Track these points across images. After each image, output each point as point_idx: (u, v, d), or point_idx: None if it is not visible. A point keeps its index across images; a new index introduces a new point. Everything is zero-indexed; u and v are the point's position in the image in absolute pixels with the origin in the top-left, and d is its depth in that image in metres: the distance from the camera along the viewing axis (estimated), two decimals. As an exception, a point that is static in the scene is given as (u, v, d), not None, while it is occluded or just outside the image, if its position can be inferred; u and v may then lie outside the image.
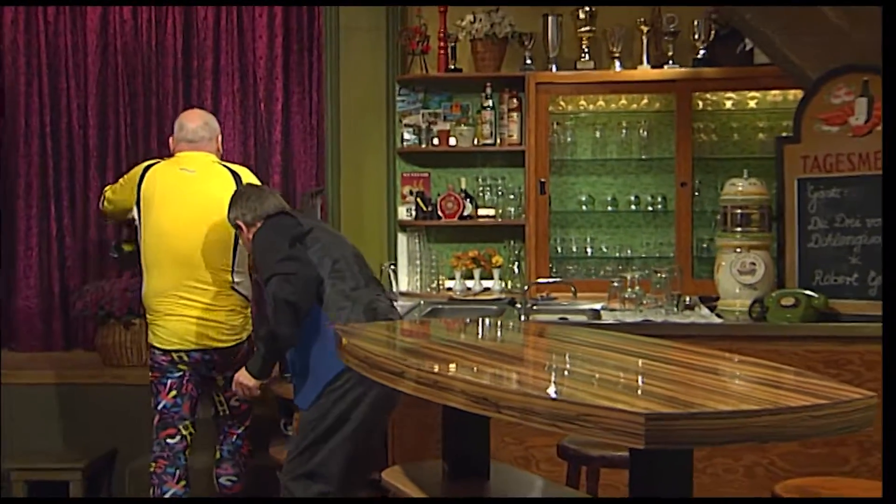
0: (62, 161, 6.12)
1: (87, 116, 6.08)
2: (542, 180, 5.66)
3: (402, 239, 5.94)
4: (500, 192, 5.86)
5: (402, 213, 5.90)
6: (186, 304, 4.25)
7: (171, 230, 4.28)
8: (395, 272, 5.34)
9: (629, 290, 4.87)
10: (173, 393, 4.24)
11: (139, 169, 4.46)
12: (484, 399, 2.49)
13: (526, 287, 5.11)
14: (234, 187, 4.28)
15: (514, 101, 5.77)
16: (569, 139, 5.85)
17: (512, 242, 5.84)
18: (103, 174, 6.09)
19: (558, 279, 5.51)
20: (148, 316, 4.36)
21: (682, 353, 2.91)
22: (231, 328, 4.32)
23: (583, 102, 5.84)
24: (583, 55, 5.75)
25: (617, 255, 5.86)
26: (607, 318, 4.78)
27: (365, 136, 5.89)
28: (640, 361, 2.81)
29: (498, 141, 5.80)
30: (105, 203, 4.62)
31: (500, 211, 5.83)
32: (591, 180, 5.89)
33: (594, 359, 2.89)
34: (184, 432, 4.28)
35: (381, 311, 3.79)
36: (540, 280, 5.35)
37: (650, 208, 5.84)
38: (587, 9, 5.74)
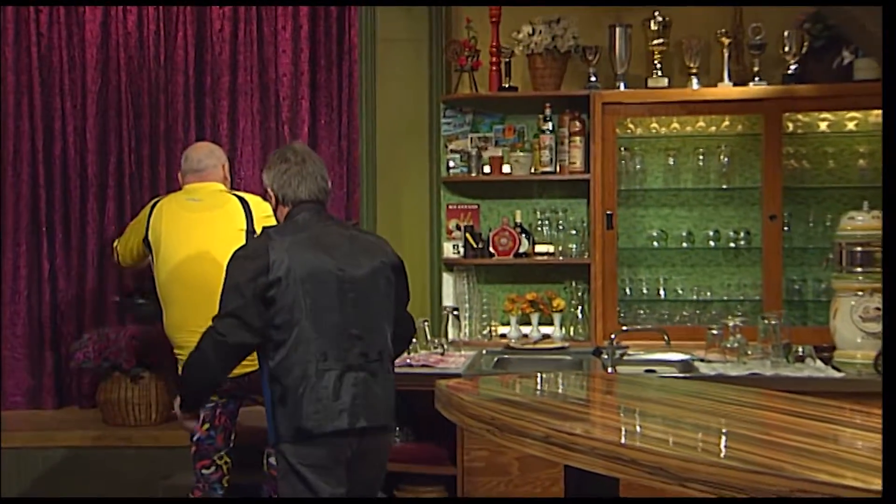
0: (55, 191, 5.89)
1: (84, 141, 5.86)
2: (609, 213, 5.51)
3: (447, 280, 5.78)
4: (560, 227, 5.71)
5: (449, 250, 5.76)
6: None
7: (181, 261, 4.39)
8: (457, 317, 5.04)
9: (731, 338, 4.62)
10: (206, 426, 4.31)
11: (147, 208, 4.63)
12: (661, 470, 2.32)
13: (611, 336, 4.81)
14: (242, 214, 4.42)
15: (577, 123, 5.61)
16: (638, 166, 5.68)
17: (574, 283, 5.65)
18: (103, 206, 5.88)
19: (648, 326, 5.24)
20: (175, 351, 4.42)
21: (843, 412, 2.86)
22: None
23: (655, 125, 5.70)
24: (655, 71, 5.60)
25: (694, 297, 5.66)
26: (705, 369, 4.57)
27: (405, 163, 5.79)
28: (815, 424, 2.69)
29: (558, 168, 5.64)
30: (118, 257, 4.81)
31: (561, 248, 5.67)
32: (663, 213, 5.74)
33: (754, 419, 2.77)
34: (219, 462, 4.34)
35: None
36: (626, 328, 5.04)
37: (732, 244, 5.65)
38: (660, 19, 5.58)
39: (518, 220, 5.68)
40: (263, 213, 4.42)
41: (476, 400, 2.95)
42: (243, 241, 4.15)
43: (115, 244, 4.85)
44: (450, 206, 5.81)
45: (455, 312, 5.55)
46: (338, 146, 5.86)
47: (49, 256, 5.88)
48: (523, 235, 5.64)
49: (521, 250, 5.62)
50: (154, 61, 5.86)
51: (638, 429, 2.62)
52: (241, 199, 4.54)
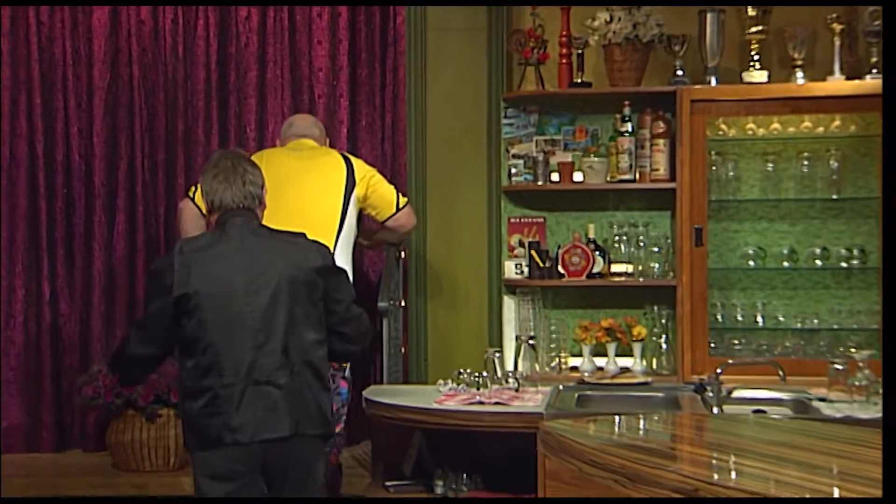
0: (57, 202, 5.79)
1: (91, 144, 5.79)
2: (698, 227, 5.20)
3: (509, 304, 5.54)
4: (640, 243, 5.41)
5: (510, 269, 5.50)
6: None
7: (284, 206, 4.32)
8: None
9: (858, 374, 4.21)
10: None
11: None
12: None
13: (716, 370, 4.40)
14: (344, 170, 4.63)
15: (661, 124, 5.31)
16: (732, 173, 5.38)
17: (657, 309, 5.33)
18: (111, 219, 5.76)
19: (759, 359, 4.86)
20: None
21: None
22: None
23: (751, 125, 5.39)
24: (752, 64, 5.28)
25: (798, 325, 5.30)
26: (827, 410, 4.23)
27: (459, 170, 5.62)
28: None
29: (638, 176, 5.36)
30: (191, 208, 4.57)
31: (641, 267, 5.39)
32: (761, 227, 5.44)
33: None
34: None
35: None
36: (732, 360, 4.65)
37: (843, 264, 5.31)
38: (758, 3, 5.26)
39: (591, 235, 5.43)
40: (364, 174, 4.68)
41: (599, 445, 2.77)
42: (340, 198, 4.56)
43: (190, 192, 4.60)
44: (512, 220, 5.58)
45: (531, 342, 5.31)
46: (381, 151, 5.75)
47: (49, 276, 5.73)
48: (597, 253, 5.39)
49: (595, 270, 5.37)
50: (171, 54, 5.75)
51: (808, 483, 2.45)
52: (345, 157, 4.73)
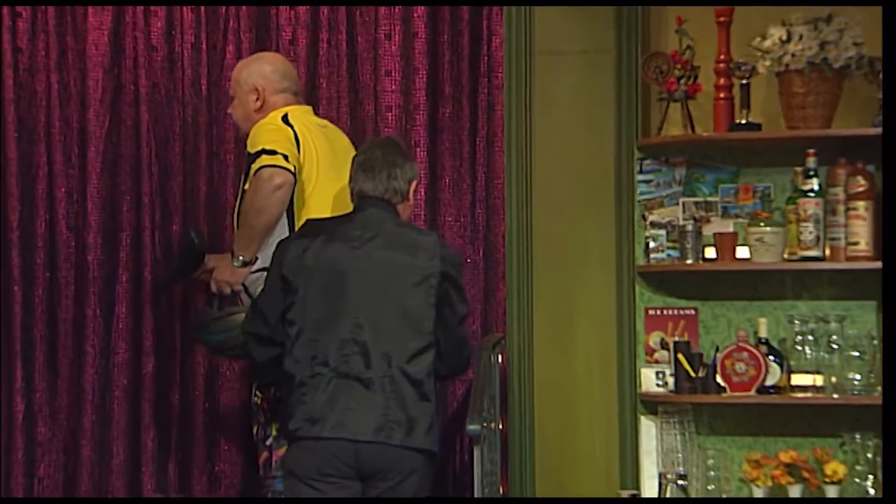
0: (36, 289, 5.41)
1: (83, 211, 5.48)
2: None
3: (648, 428, 5.19)
4: (834, 345, 5.02)
5: (649, 380, 5.19)
6: None
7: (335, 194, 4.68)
8: (683, 489, 4.63)
9: None
10: None
11: (277, 116, 4.79)
12: None
13: None
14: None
15: (861, 179, 4.95)
16: None
17: (859, 437, 4.95)
18: (109, 311, 5.40)
19: None
20: None
21: None
22: None
23: None
24: None
25: None
26: None
27: (577, 245, 5.28)
28: None
29: (828, 252, 4.99)
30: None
31: (836, 379, 4.97)
32: None
33: None
34: None
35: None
36: None
37: None
38: None
39: (763, 333, 5.07)
40: None
41: None
42: None
43: (286, 163, 4.57)
44: (651, 312, 5.25)
45: (681, 482, 4.98)
46: (470, 218, 5.44)
47: (25, 392, 5.45)
48: (772, 358, 5.02)
49: (770, 382, 4.99)
50: (191, 90, 5.52)
51: None
52: None
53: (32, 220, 5.43)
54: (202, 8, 5.44)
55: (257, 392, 4.90)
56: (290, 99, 4.93)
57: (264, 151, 4.67)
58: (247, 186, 4.67)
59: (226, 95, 5.47)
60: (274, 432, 4.74)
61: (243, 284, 4.79)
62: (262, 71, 4.91)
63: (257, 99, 4.85)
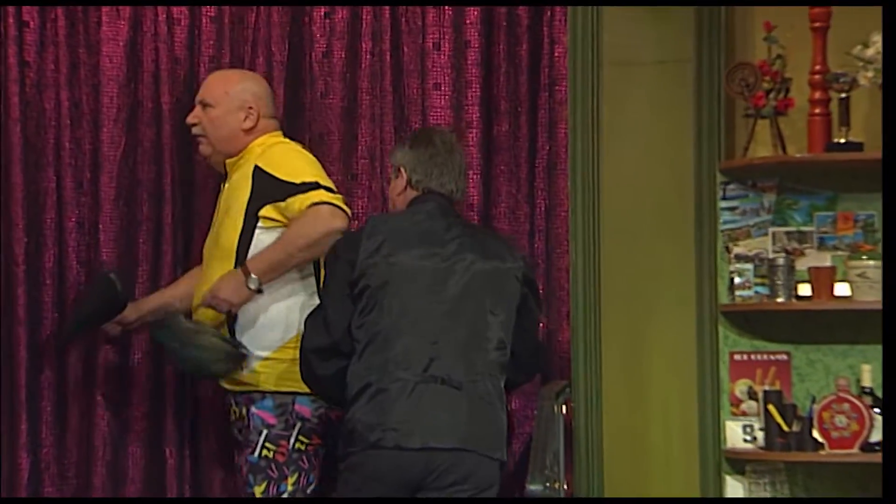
0: (42, 331, 5.13)
1: (96, 244, 5.26)
2: None
3: (733, 488, 4.97)
4: None
5: (736, 435, 4.99)
6: None
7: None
8: None
9: None
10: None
11: (291, 143, 4.86)
12: None
13: None
14: None
15: None
16: None
17: None
18: (125, 359, 5.15)
19: None
20: None
21: None
22: None
23: None
24: None
25: None
26: None
27: (651, 280, 5.07)
28: None
29: None
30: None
31: None
32: None
33: None
34: None
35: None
36: None
37: None
38: None
39: (867, 382, 4.88)
40: None
41: None
42: None
43: (339, 201, 4.60)
44: (737, 357, 5.04)
45: None
46: (530, 250, 5.25)
47: (30, 447, 5.20)
48: (877, 411, 4.81)
49: (875, 438, 4.74)
50: None
51: None
52: None
53: (40, 254, 5.20)
54: (226, 17, 5.30)
55: (267, 445, 4.75)
56: (276, 125, 4.90)
57: (320, 185, 4.62)
58: (270, 217, 4.57)
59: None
60: (290, 487, 4.67)
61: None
62: (255, 90, 4.87)
63: (247, 118, 4.76)
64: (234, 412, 4.75)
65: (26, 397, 5.18)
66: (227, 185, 4.86)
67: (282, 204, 4.58)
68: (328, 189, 4.70)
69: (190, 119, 4.85)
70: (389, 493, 4.12)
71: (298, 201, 4.56)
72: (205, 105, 4.82)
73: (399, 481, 4.11)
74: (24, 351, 5.18)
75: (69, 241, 5.24)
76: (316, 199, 4.59)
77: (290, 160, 4.70)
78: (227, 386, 4.76)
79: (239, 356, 4.56)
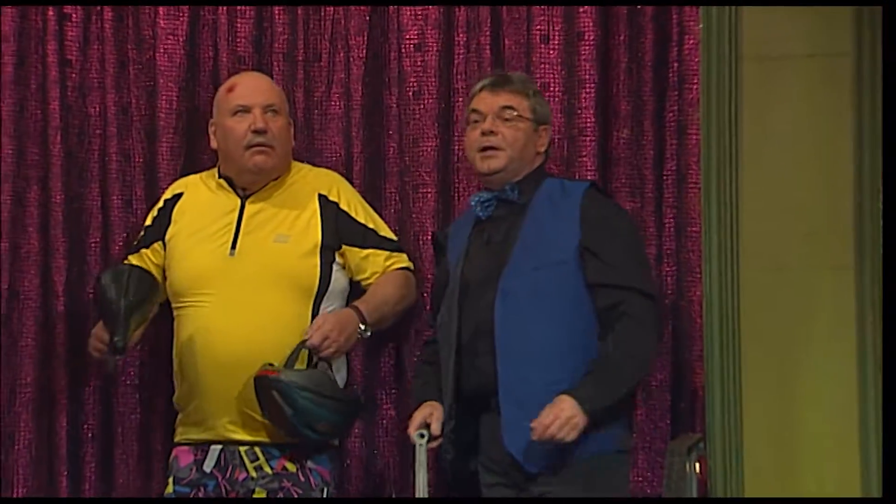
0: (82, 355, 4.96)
1: None
2: None
3: None
4: None
5: None
6: None
7: None
8: None
9: None
10: None
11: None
12: None
13: None
14: None
15: None
16: None
17: None
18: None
19: None
20: None
21: None
22: None
23: None
24: None
25: None
26: None
27: (804, 314, 4.50)
28: None
29: None
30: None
31: None
32: None
33: None
34: None
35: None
36: None
37: None
38: None
39: None
40: None
41: None
42: None
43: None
44: None
45: None
46: (657, 274, 5.06)
47: None
48: None
49: None
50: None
51: None
52: None
53: (83, 284, 4.97)
54: (299, 7, 5.07)
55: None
56: None
57: (401, 248, 4.72)
58: (366, 272, 4.59)
59: (335, 120, 5.06)
60: None
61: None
62: None
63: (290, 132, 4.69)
64: (264, 466, 4.46)
65: (67, 451, 4.95)
66: (260, 204, 4.60)
67: (361, 252, 4.55)
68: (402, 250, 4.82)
69: (259, 125, 4.46)
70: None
71: (383, 257, 4.58)
72: (275, 111, 4.52)
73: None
74: (65, 400, 4.98)
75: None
76: (406, 265, 4.67)
77: (362, 203, 4.68)
78: (261, 438, 4.43)
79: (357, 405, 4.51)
